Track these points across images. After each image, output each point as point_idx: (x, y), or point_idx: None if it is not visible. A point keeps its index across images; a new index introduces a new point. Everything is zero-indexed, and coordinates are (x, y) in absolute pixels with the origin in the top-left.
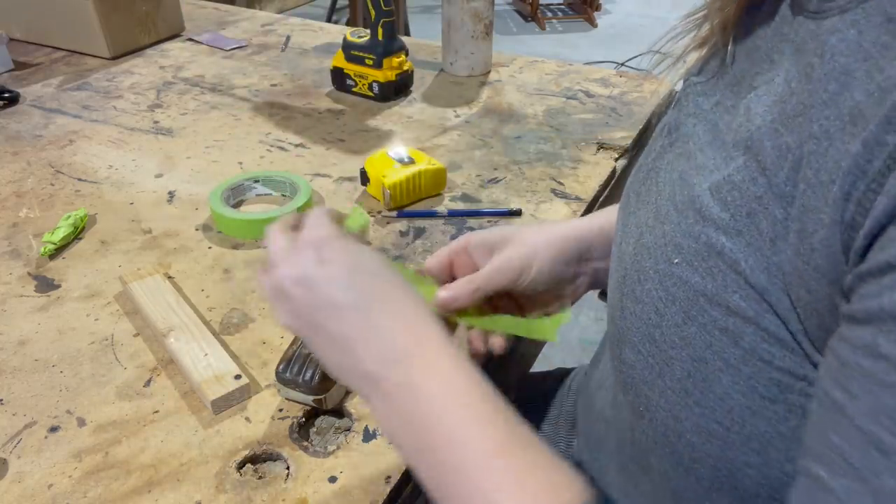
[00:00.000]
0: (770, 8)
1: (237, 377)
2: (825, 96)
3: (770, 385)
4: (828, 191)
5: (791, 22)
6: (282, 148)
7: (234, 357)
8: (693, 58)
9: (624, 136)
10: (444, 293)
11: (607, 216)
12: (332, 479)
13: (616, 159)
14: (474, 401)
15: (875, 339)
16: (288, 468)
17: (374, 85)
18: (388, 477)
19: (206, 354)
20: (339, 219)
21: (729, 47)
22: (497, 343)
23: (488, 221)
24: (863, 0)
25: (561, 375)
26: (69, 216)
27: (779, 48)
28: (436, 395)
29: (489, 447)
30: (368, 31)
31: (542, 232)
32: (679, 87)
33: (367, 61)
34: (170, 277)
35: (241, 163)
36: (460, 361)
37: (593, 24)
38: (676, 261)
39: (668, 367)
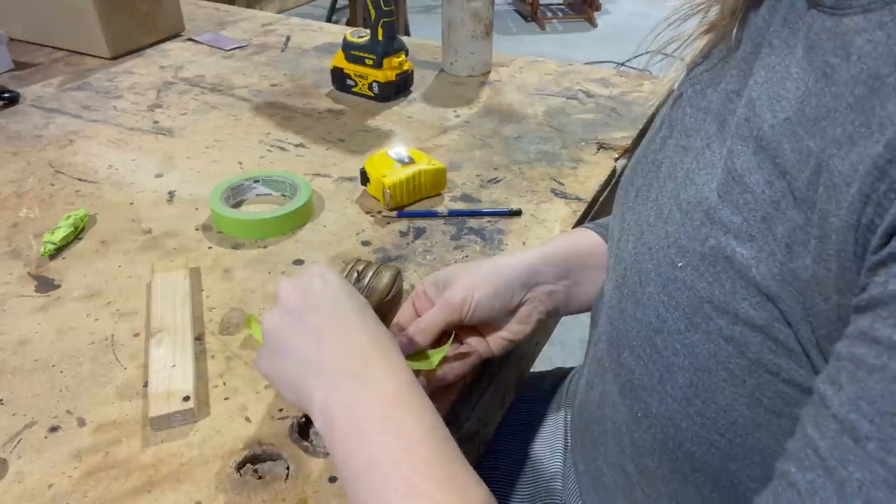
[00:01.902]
0: None
1: (185, 399)
2: (851, 100)
3: (775, 398)
4: (842, 194)
5: (803, 14)
6: (282, 148)
7: (200, 375)
8: (698, 45)
9: (624, 136)
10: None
11: (553, 244)
12: (332, 479)
13: (616, 159)
14: (413, 401)
15: (872, 325)
16: (288, 468)
17: (374, 85)
18: None
19: (173, 366)
20: None
21: (735, 30)
22: (450, 372)
23: (488, 221)
24: (889, 1)
25: (560, 375)
26: (69, 216)
27: (781, 35)
28: (382, 388)
29: (415, 437)
30: (368, 31)
31: (483, 268)
32: (679, 79)
33: (367, 61)
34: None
35: (241, 163)
36: (409, 372)
37: (593, 23)
38: (680, 264)
39: (669, 375)
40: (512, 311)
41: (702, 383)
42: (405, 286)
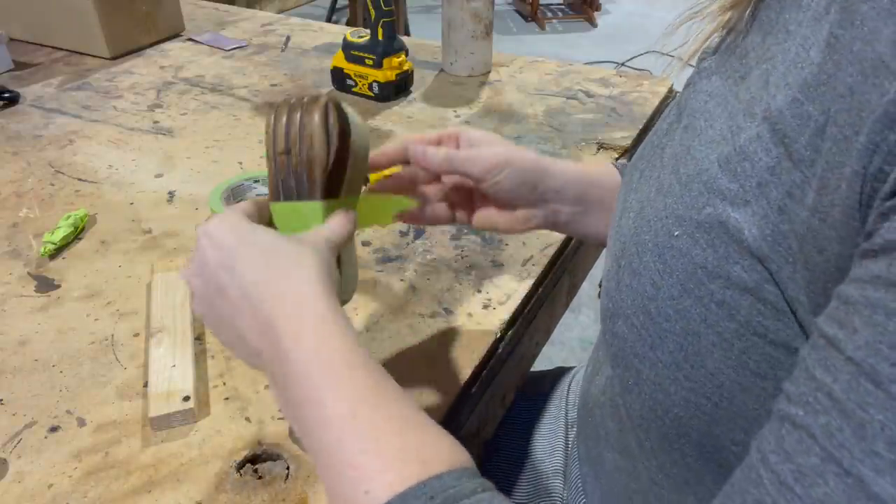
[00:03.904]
0: None
1: (185, 399)
2: (850, 56)
3: (762, 361)
4: (851, 143)
5: None
6: None
7: (200, 375)
8: (708, 34)
9: (624, 136)
10: (418, 146)
11: (591, 169)
12: None
13: (616, 159)
14: (337, 365)
15: (888, 269)
16: (288, 468)
17: (374, 85)
18: None
19: (173, 366)
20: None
21: (745, 19)
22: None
23: None
24: None
25: (560, 375)
26: (69, 216)
27: (796, 18)
28: (301, 360)
29: (346, 406)
30: (368, 31)
31: (522, 149)
32: (682, 79)
33: (367, 61)
34: None
35: (241, 163)
36: (333, 327)
37: (593, 23)
38: (677, 233)
39: (660, 340)
40: (520, 202)
41: (692, 347)
42: (409, 279)
